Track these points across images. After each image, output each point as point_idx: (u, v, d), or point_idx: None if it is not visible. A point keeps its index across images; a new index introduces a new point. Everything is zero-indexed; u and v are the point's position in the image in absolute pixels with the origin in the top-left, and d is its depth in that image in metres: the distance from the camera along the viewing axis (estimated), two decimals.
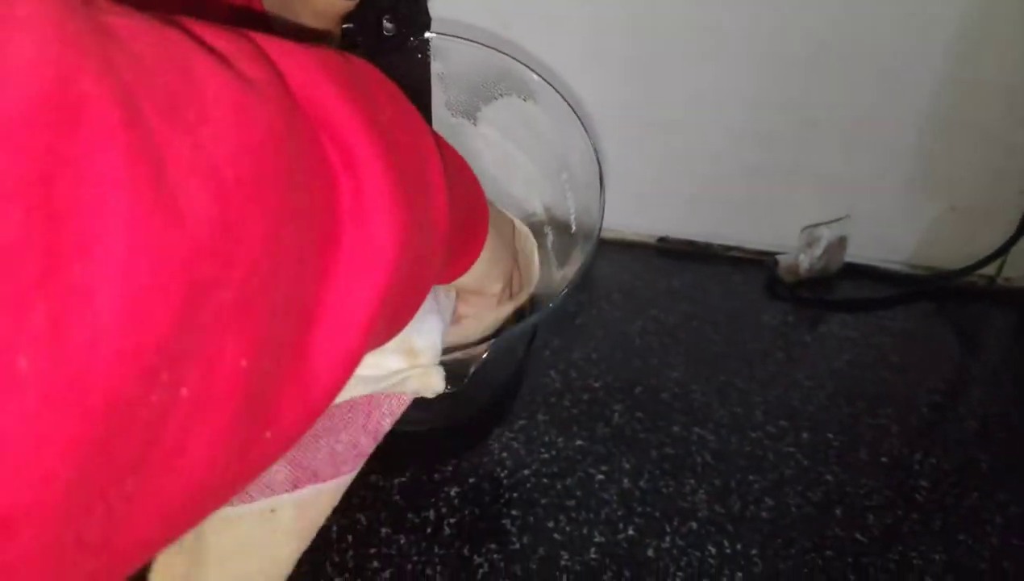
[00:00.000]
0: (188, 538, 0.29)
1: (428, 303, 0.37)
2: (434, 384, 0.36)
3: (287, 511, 0.30)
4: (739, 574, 0.52)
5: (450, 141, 0.36)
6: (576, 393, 0.65)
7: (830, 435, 0.63)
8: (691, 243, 0.84)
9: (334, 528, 0.54)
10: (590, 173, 0.53)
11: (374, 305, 0.24)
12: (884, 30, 0.73)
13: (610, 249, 0.84)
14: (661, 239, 0.85)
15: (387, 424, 0.36)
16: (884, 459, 0.61)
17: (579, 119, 0.54)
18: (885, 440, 0.63)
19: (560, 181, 0.58)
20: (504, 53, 0.57)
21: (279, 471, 0.30)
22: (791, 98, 0.77)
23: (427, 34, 0.49)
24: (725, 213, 0.83)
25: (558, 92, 0.56)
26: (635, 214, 0.84)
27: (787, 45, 0.75)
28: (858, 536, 0.55)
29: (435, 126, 0.35)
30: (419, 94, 0.50)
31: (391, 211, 0.24)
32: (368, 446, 0.35)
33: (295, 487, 0.30)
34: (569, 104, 0.54)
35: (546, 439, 0.61)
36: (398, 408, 0.36)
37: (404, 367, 0.35)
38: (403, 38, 0.44)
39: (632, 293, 0.79)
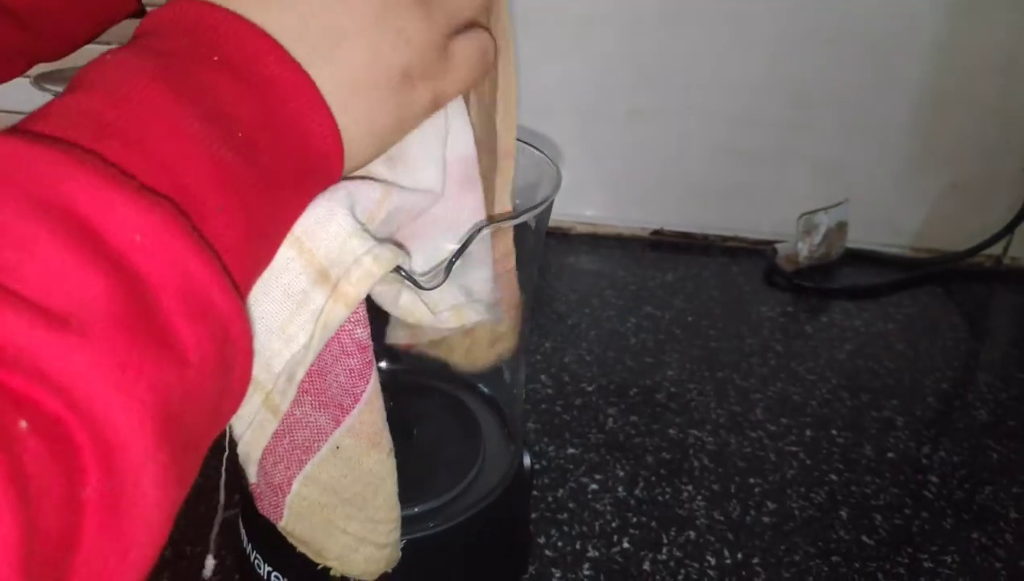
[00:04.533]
0: (299, 509, 0.35)
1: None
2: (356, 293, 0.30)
3: (346, 440, 0.34)
4: None
5: None
6: (568, 398, 0.63)
7: (833, 431, 0.60)
8: (686, 235, 0.82)
9: None
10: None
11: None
12: (874, 6, 0.70)
13: (602, 244, 0.82)
14: (655, 232, 0.82)
15: (360, 332, 0.32)
16: (891, 455, 0.59)
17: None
18: (891, 434, 0.60)
19: None
20: None
21: (319, 418, 0.34)
22: (782, 81, 0.74)
23: None
24: (720, 202, 0.80)
25: None
26: (627, 207, 0.81)
27: (776, 28, 0.72)
28: (865, 539, 0.52)
29: None
30: None
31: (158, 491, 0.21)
32: (364, 361, 0.33)
33: (337, 423, 0.34)
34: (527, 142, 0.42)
35: (536, 449, 0.58)
36: (359, 316, 0.32)
37: (324, 297, 0.30)
38: None
39: (625, 289, 0.76)
